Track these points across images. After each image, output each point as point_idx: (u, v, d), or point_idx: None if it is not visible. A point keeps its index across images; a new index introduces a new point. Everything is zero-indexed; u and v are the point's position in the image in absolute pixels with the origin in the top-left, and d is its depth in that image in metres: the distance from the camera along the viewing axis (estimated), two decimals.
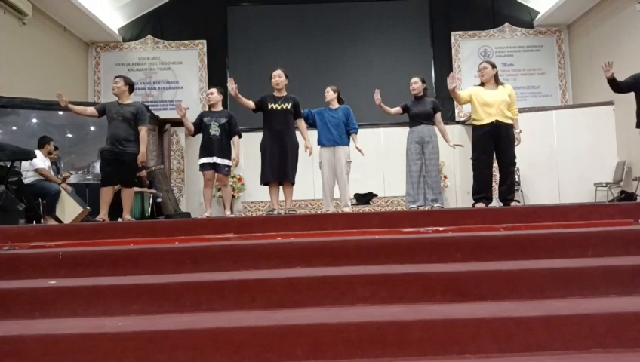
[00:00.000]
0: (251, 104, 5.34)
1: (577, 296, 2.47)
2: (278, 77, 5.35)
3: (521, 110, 8.75)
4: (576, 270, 2.58)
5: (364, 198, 8.65)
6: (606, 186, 7.90)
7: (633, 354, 2.05)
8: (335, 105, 5.57)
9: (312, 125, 5.63)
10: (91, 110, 5.21)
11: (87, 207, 6.27)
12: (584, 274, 2.55)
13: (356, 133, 5.58)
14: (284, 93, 5.36)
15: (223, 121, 5.35)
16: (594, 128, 8.35)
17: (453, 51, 10.05)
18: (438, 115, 5.56)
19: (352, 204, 8.58)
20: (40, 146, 6.25)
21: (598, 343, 2.09)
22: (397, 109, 5.58)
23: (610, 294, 2.48)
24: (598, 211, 3.77)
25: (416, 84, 5.52)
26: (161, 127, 9.45)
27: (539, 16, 9.86)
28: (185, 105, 9.65)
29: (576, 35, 9.76)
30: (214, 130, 5.31)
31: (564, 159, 8.41)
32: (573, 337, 2.10)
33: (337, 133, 5.47)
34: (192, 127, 5.49)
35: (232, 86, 5.23)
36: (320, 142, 5.58)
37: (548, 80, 10.00)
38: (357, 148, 5.52)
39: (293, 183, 5.37)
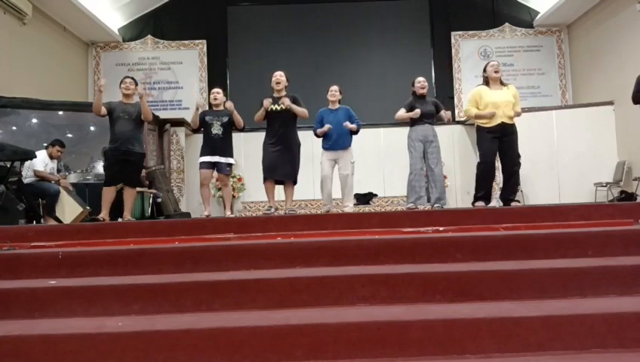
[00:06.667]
0: (262, 115, 5.29)
1: (577, 296, 2.46)
2: (280, 76, 5.39)
3: (521, 110, 8.81)
4: (576, 270, 2.58)
5: (364, 198, 8.64)
6: (606, 186, 7.90)
7: (633, 354, 2.05)
8: (336, 105, 5.56)
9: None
10: (103, 109, 5.06)
11: (87, 207, 6.27)
12: (584, 274, 2.55)
13: (358, 128, 5.47)
14: (283, 94, 5.37)
15: (225, 119, 5.38)
16: (594, 128, 8.34)
17: (453, 51, 10.04)
18: (443, 112, 5.49)
19: (352, 204, 8.60)
20: (47, 146, 6.28)
21: (598, 343, 2.09)
22: (410, 113, 5.38)
23: (610, 294, 2.48)
24: (598, 211, 3.77)
25: (425, 83, 5.53)
26: (161, 127, 9.44)
27: (539, 16, 9.85)
28: (185, 105, 9.88)
29: (576, 35, 9.75)
30: (216, 129, 5.33)
31: (564, 159, 8.40)
32: (573, 337, 2.10)
33: (339, 136, 5.41)
34: (196, 118, 5.43)
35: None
36: (323, 146, 5.52)
37: (548, 80, 9.99)
38: (345, 125, 5.38)
39: (295, 183, 5.38)
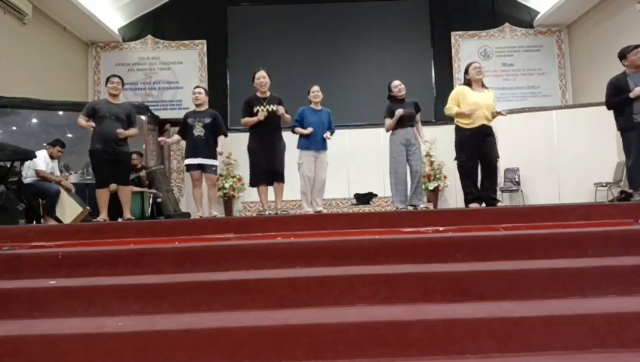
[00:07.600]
0: (253, 120, 5.22)
1: (577, 296, 2.46)
2: (263, 78, 5.29)
3: (521, 110, 8.82)
4: (576, 270, 2.58)
5: (364, 198, 8.64)
6: (606, 186, 7.89)
7: (633, 354, 2.05)
8: (319, 106, 5.55)
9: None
10: (87, 123, 5.00)
11: (87, 207, 6.28)
12: (584, 274, 2.55)
13: (332, 133, 5.57)
14: (268, 94, 5.33)
15: (208, 121, 5.28)
16: (594, 128, 8.33)
17: (453, 51, 10.05)
18: (419, 116, 5.57)
19: (352, 204, 8.59)
20: (48, 146, 6.28)
21: (598, 343, 2.09)
22: (392, 121, 5.41)
23: (610, 294, 2.48)
24: (598, 211, 3.77)
25: (402, 86, 5.50)
26: (161, 127, 9.45)
27: (539, 16, 9.86)
28: (185, 105, 9.88)
29: (576, 35, 9.75)
30: (198, 131, 5.25)
31: (564, 159, 8.40)
32: (573, 337, 2.10)
33: (320, 137, 5.43)
34: (178, 138, 5.48)
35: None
36: (301, 146, 5.48)
37: (548, 80, 10.00)
38: (326, 136, 5.47)
39: (284, 182, 5.38)
